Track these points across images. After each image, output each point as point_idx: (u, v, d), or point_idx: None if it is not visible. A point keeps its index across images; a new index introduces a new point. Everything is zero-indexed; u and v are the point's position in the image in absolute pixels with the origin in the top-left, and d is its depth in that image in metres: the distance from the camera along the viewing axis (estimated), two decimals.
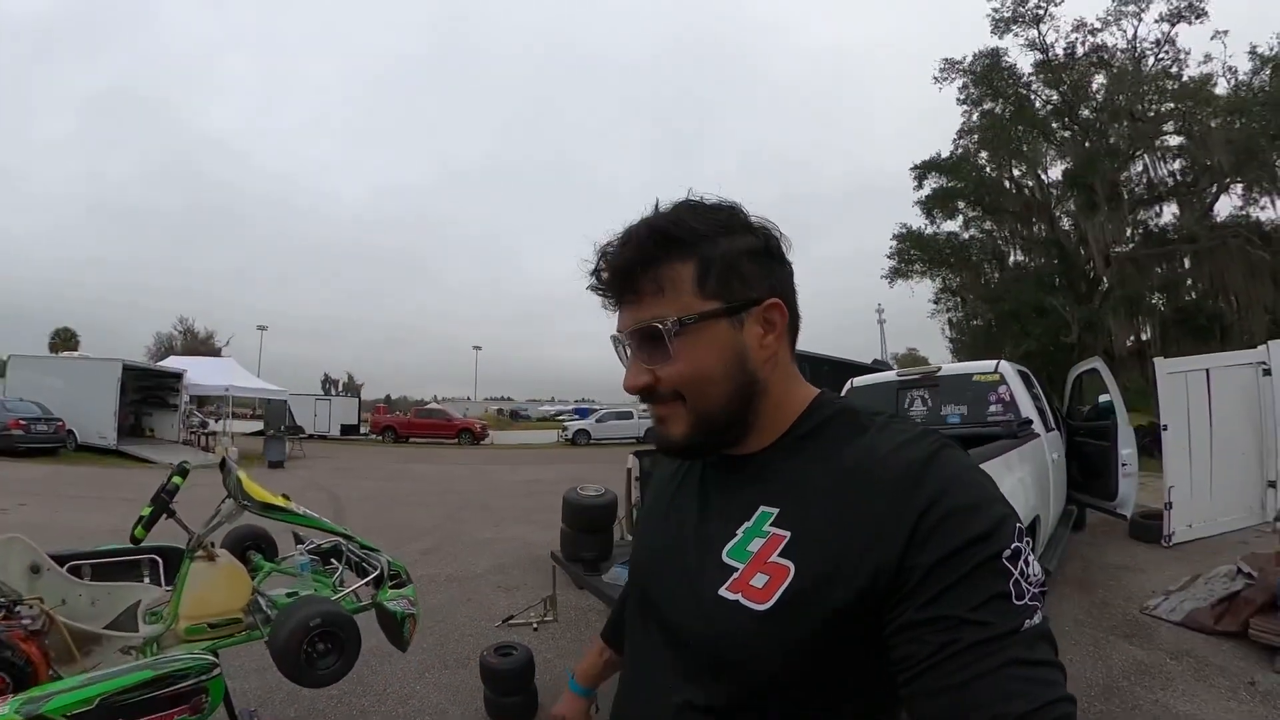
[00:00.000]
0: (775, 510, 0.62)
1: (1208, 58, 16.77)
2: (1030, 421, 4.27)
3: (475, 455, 20.41)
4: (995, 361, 4.92)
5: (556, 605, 4.23)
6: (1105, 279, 17.52)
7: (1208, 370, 6.04)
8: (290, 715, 2.79)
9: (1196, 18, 16.61)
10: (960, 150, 19.88)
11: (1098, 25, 17.67)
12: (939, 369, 5.44)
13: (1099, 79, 17.70)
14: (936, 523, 0.53)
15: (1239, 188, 16.37)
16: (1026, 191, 19.50)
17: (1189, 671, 3.28)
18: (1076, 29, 17.87)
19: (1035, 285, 17.92)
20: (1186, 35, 17.88)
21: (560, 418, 39.36)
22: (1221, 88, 16.42)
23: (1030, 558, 0.53)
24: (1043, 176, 19.18)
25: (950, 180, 19.86)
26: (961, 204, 20.17)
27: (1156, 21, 17.09)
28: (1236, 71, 16.45)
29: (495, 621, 4.10)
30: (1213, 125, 15.74)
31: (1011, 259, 20.44)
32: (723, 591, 0.61)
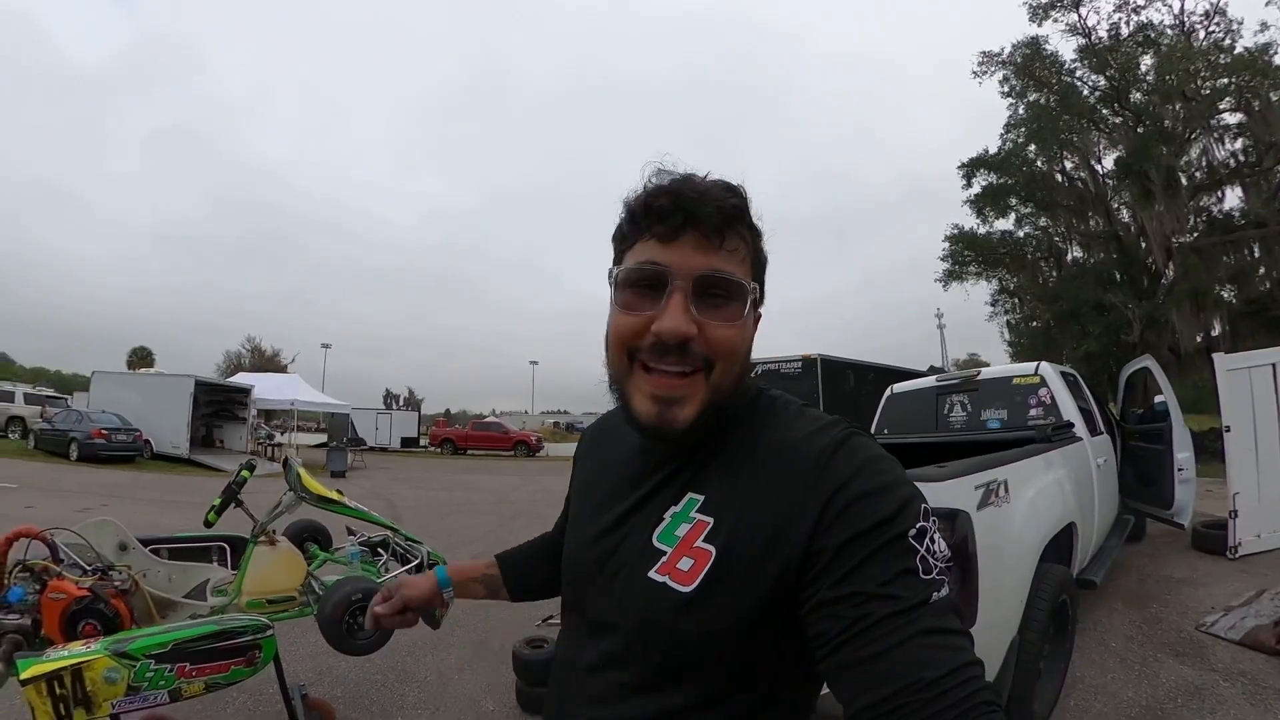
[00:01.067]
0: (701, 497, 0.64)
1: (1264, 26, 15.41)
2: (1071, 425, 4.14)
3: (530, 467, 20.77)
4: (1035, 363, 4.80)
5: None
6: (1168, 272, 16.53)
7: (1274, 365, 5.71)
8: (337, 695, 2.98)
9: None
10: (1008, 145, 19.16)
11: (1141, 2, 16.72)
12: (978, 373, 5.34)
13: (1147, 59, 16.65)
14: (844, 507, 0.55)
15: None
16: (1080, 184, 18.61)
17: (1243, 695, 3.04)
18: (1119, 8, 16.93)
19: (1094, 282, 17.02)
20: (1239, 3, 16.60)
21: None
22: None
23: (936, 536, 0.55)
24: (1096, 167, 18.23)
25: (1000, 177, 19.16)
26: (1013, 201, 19.41)
27: None
28: None
29: (536, 621, 4.26)
30: (1274, 99, 14.62)
31: (1069, 255, 19.53)
32: (652, 574, 0.63)
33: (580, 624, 0.73)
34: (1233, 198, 16.85)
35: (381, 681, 3.19)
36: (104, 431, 14.31)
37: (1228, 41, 16.03)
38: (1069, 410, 4.32)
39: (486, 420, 31.49)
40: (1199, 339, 15.77)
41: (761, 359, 9.50)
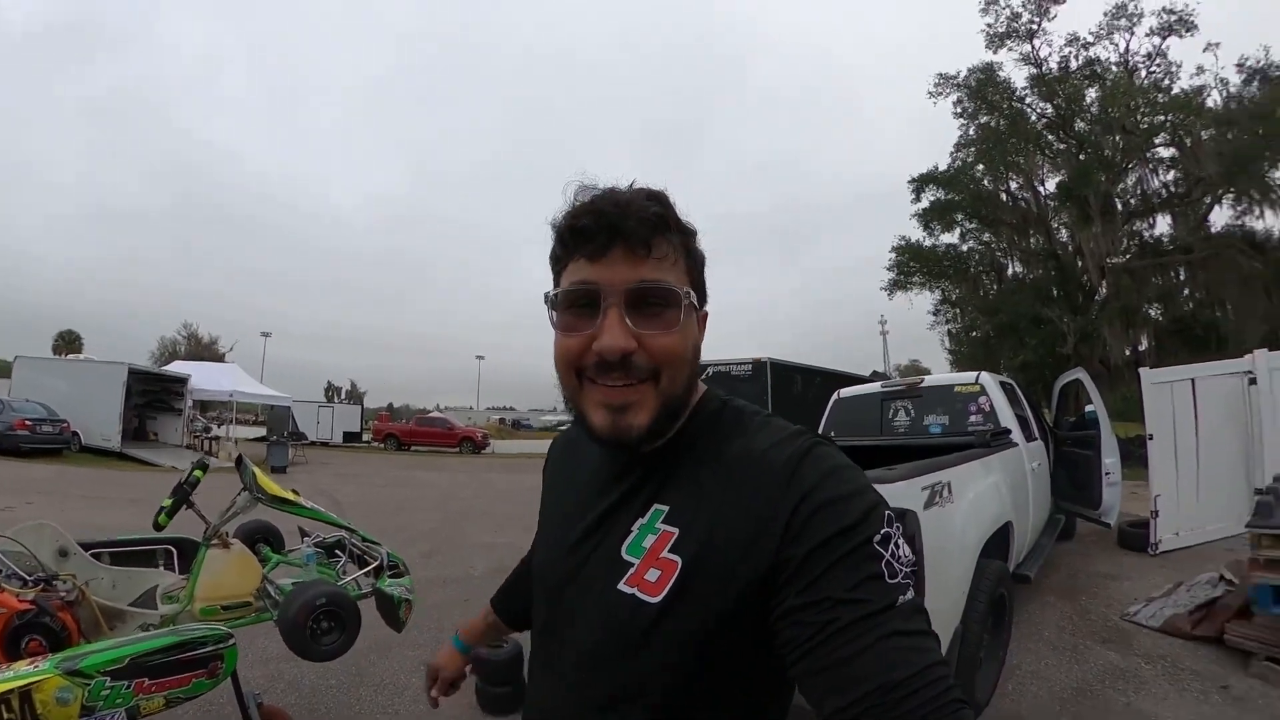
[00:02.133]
0: (667, 507, 0.65)
1: (1200, 70, 16.85)
2: (1008, 431, 4.38)
3: (476, 463, 20.49)
4: (976, 373, 5.04)
5: None
6: (1101, 290, 17.62)
7: (1193, 380, 6.15)
8: (292, 701, 2.91)
9: (1187, 30, 16.84)
10: (957, 163, 20.01)
11: (1090, 39, 17.89)
12: (922, 380, 5.56)
13: (1092, 92, 17.79)
14: (809, 515, 0.56)
15: (1231, 198, 16.48)
16: (1023, 204, 19.61)
17: (1163, 675, 3.34)
18: (1070, 43, 18.06)
19: (1032, 297, 17.99)
20: (1178, 48, 18.02)
21: (562, 427, 39.30)
22: (1214, 99, 16.57)
23: (900, 541, 0.56)
24: (1039, 189, 19.27)
25: (948, 193, 19.96)
26: (959, 216, 20.26)
27: (1148, 35, 17.37)
28: (1228, 83, 16.60)
29: None
30: (1204, 137, 15.85)
31: (1010, 271, 20.51)
32: (621, 586, 0.63)
33: (553, 639, 0.72)
34: (1163, 224, 18.18)
35: (337, 685, 3.12)
36: (27, 422, 13.45)
37: (1166, 82, 17.30)
38: (1007, 418, 4.55)
39: (431, 415, 30.68)
40: (1128, 353, 16.90)
41: (713, 361, 9.66)
